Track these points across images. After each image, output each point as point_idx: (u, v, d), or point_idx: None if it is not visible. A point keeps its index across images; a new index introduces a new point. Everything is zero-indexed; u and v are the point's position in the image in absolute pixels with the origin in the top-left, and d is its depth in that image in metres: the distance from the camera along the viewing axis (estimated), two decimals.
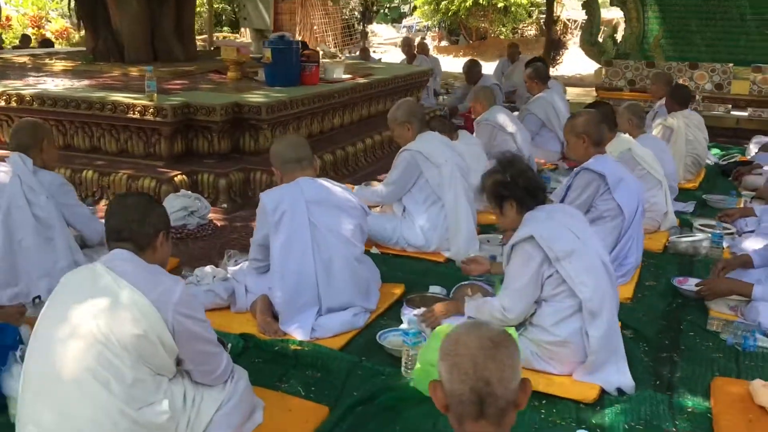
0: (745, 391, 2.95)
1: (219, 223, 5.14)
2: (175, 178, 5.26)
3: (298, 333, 3.38)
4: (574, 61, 18.75)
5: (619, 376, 3.05)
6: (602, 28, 12.71)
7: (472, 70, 10.13)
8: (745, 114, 9.42)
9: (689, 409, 2.92)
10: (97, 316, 2.24)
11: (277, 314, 3.51)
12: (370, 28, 18.43)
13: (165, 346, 2.32)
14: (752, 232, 4.90)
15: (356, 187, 4.97)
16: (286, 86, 6.43)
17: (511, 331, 2.98)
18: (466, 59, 10.53)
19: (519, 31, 26.40)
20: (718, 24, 10.94)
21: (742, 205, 5.72)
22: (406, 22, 27.09)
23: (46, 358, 2.26)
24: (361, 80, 7.33)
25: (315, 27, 23.45)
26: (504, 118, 6.36)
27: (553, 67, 16.29)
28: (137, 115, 5.29)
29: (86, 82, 6.53)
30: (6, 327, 2.82)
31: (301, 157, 3.58)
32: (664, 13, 11.11)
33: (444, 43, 25.53)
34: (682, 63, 10.21)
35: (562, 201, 4.30)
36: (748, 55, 10.62)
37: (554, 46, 17.95)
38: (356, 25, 25.51)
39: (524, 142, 6.45)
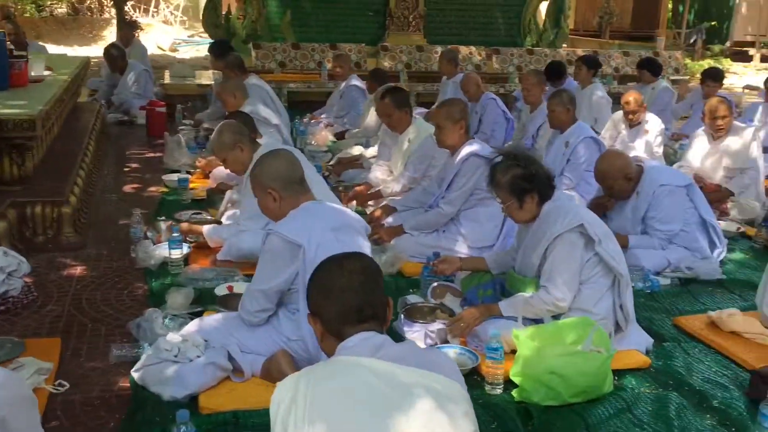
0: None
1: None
2: None
3: None
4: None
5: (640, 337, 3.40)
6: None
7: (115, 55, 9.11)
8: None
9: None
10: (436, 422, 1.69)
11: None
12: None
13: None
14: None
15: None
16: None
17: (590, 321, 3.08)
18: None
19: (47, 9, 23.96)
20: (328, 6, 11.74)
21: None
22: None
23: None
24: (63, 76, 6.03)
25: None
26: (266, 111, 6.00)
27: (127, 48, 15.40)
28: None
29: None
30: None
31: (302, 177, 2.97)
32: None
33: None
34: (323, 44, 10.76)
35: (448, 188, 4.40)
36: (355, 35, 11.62)
37: (130, 27, 16.96)
38: None
39: (287, 131, 6.21)
